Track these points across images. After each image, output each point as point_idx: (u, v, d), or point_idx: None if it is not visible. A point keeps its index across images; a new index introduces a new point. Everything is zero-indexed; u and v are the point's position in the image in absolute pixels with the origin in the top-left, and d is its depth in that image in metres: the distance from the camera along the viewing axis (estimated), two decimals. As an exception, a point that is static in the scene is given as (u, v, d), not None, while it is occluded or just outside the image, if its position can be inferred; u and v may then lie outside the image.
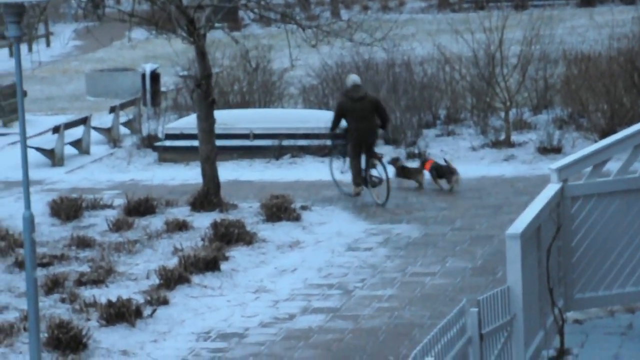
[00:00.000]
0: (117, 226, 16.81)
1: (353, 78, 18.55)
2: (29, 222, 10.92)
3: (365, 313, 13.10)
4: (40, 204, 17.63)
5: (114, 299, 13.05)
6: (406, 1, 50.73)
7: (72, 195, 18.10)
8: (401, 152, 21.24)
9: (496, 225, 16.20)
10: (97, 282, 14.23)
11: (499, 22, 22.67)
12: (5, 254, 15.51)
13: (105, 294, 13.60)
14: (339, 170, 18.71)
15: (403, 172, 18.96)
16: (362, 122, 17.94)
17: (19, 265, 14.76)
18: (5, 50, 38.76)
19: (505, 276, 10.64)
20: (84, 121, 23.28)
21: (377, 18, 26.16)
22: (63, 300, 13.60)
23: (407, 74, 24.62)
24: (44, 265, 14.80)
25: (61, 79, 34.47)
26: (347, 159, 18.43)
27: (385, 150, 20.89)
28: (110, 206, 18.09)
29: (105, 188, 19.76)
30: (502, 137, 21.97)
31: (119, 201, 18.21)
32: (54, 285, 13.98)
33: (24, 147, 10.89)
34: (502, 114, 22.65)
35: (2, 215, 17.34)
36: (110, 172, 21.37)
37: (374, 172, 18.19)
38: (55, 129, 22.20)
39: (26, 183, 10.87)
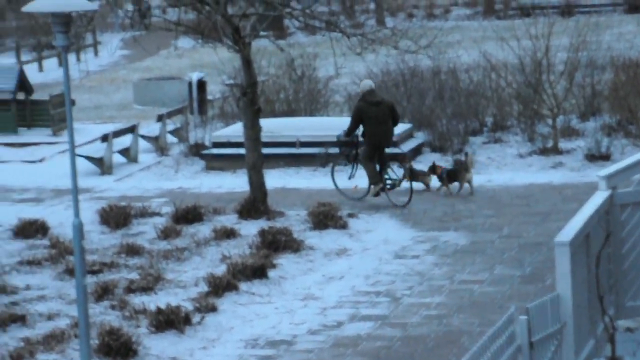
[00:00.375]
0: (166, 234, 16.93)
1: (368, 83, 18.90)
2: (79, 230, 11.02)
3: (413, 320, 13.10)
4: (89, 212, 17.78)
5: (163, 306, 13.13)
6: (451, 8, 50.63)
7: (120, 203, 18.25)
8: (448, 160, 21.22)
9: (544, 232, 16.13)
10: (146, 289, 14.33)
11: (545, 28, 22.59)
12: (55, 262, 15.67)
13: (154, 301, 13.69)
14: (340, 176, 18.84)
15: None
16: (380, 125, 18.31)
17: (70, 272, 14.90)
18: (54, 60, 39.14)
19: (554, 284, 10.59)
20: (131, 130, 23.46)
21: (422, 25, 26.19)
22: (113, 307, 13.70)
23: (453, 81, 24.59)
24: (94, 272, 14.93)
25: (109, 88, 34.75)
26: (355, 165, 18.71)
27: (432, 158, 20.87)
28: (158, 214, 18.22)
29: (153, 196, 19.90)
30: (550, 144, 21.88)
31: (167, 209, 18.33)
32: (104, 292, 14.10)
33: (73, 156, 11.00)
34: (550, 121, 22.55)
35: (52, 223, 17.50)
36: (158, 180, 21.52)
37: (390, 174, 18.48)
38: (104, 138, 22.40)
39: (75, 191, 10.98)
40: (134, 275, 14.91)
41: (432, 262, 15.35)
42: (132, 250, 16.08)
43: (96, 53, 43.54)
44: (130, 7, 30.55)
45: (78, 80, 35.53)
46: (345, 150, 18.96)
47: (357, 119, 18.41)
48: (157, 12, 25.23)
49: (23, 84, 27.45)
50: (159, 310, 13.04)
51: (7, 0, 45.58)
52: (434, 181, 19.28)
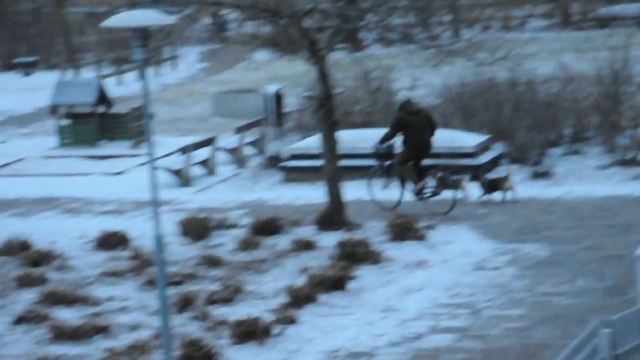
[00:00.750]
0: (245, 245, 17.05)
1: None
2: (160, 241, 11.15)
3: (494, 333, 13.03)
4: (169, 224, 17.96)
5: (243, 318, 13.22)
6: (528, 20, 50.28)
7: (200, 215, 18.42)
8: (527, 171, 21.08)
9: (626, 245, 15.96)
10: (226, 300, 14.45)
11: (623, 40, 22.36)
12: (137, 273, 15.87)
13: (234, 313, 13.80)
14: (378, 189, 19.17)
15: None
16: (421, 134, 18.81)
17: (151, 283, 15.08)
18: (133, 74, 39.61)
19: (636, 297, 10.48)
20: (210, 142, 23.67)
21: (499, 37, 26.03)
22: (194, 318, 13.83)
23: (531, 92, 24.42)
24: (175, 283, 15.09)
25: (187, 101, 35.08)
26: (389, 176, 19.12)
27: (511, 169, 20.73)
28: (237, 226, 18.36)
29: (232, 208, 20.04)
30: (630, 155, 21.62)
31: (246, 220, 18.46)
32: (185, 303, 14.24)
33: (153, 168, 11.13)
34: (630, 133, 22.29)
35: (133, 235, 17.72)
36: (236, 192, 21.67)
37: (429, 183, 18.83)
38: (183, 150, 22.63)
39: (156, 203, 11.10)
40: (214, 287, 15.03)
41: (513, 274, 15.26)
42: (212, 262, 16.22)
43: (174, 67, 44.02)
44: (207, 21, 30.84)
45: (157, 93, 35.93)
46: (381, 162, 19.41)
47: (396, 128, 18.90)
48: (234, 26, 25.45)
49: (103, 97, 27.85)
50: (240, 322, 13.13)
51: (87, 16, 46.28)
52: (473, 190, 19.29)
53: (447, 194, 18.69)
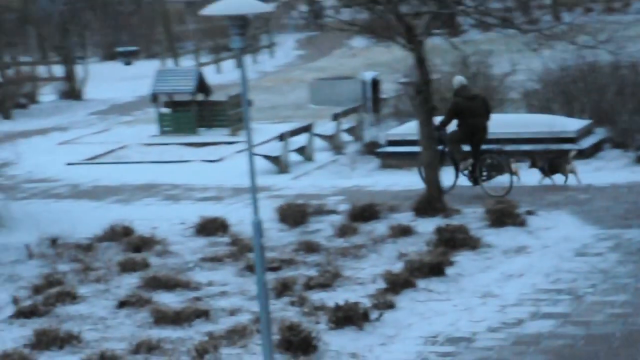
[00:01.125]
0: (342, 231, 17.04)
1: (460, 79, 19.55)
2: (258, 227, 11.19)
3: (597, 319, 12.81)
4: (267, 210, 18.03)
5: (341, 303, 13.21)
6: (631, 2, 49.36)
7: (297, 201, 18.46)
8: (630, 156, 20.70)
9: None
10: (324, 286, 14.45)
11: None
12: (236, 258, 15.97)
13: (332, 298, 13.79)
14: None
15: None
16: (477, 118, 19.03)
17: (250, 269, 15.16)
18: (231, 62, 39.90)
19: None
20: (307, 129, 23.72)
21: (601, 20, 25.60)
22: (293, 303, 13.87)
23: (634, 76, 23.96)
24: (273, 269, 15.15)
25: (285, 88, 35.22)
26: (442, 162, 19.09)
27: (614, 155, 20.41)
28: (334, 212, 18.36)
29: (329, 194, 20.05)
30: None
31: (343, 207, 18.45)
32: (283, 288, 14.28)
33: (251, 155, 11.17)
34: None
35: (232, 221, 17.83)
36: (333, 178, 21.68)
37: (484, 168, 18.93)
38: (281, 137, 22.72)
39: (254, 190, 11.14)
40: (312, 272, 15.05)
41: (616, 260, 14.98)
42: (310, 248, 16.25)
43: (272, 54, 44.22)
44: (304, 8, 30.90)
45: (255, 81, 36.14)
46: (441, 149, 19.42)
47: (453, 113, 19.09)
48: (331, 13, 25.46)
49: (202, 85, 28.11)
50: (338, 307, 13.12)
51: (186, 4, 46.75)
52: (529, 173, 19.27)
53: (502, 179, 18.83)
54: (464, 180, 19.36)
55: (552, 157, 19.55)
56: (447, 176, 18.96)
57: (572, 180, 19.28)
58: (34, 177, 23.42)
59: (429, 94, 18.03)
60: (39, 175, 23.53)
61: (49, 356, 12.61)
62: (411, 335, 12.74)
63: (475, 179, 19.18)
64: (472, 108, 18.98)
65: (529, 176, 19.55)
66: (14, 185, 22.24)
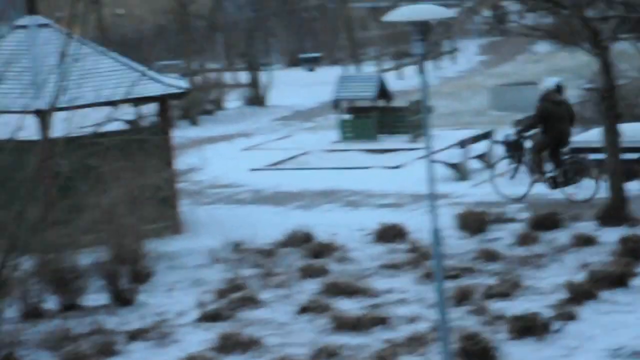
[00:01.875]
0: (523, 240, 16.86)
1: (554, 80, 19.48)
2: (437, 235, 11.19)
3: None
4: (446, 217, 17.98)
5: (521, 313, 13.07)
6: None
7: (477, 209, 18.35)
8: None
9: None
10: (504, 295, 14.34)
11: None
12: (415, 266, 15.99)
13: (512, 307, 13.66)
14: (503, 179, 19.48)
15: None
16: (563, 123, 19.00)
17: (429, 276, 15.16)
18: (413, 68, 39.89)
19: None
20: (487, 135, 23.52)
21: None
22: (472, 312, 13.80)
23: None
24: (452, 277, 15.10)
25: (466, 94, 35.01)
26: (518, 167, 19.50)
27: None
28: (514, 220, 18.17)
29: (509, 202, 19.84)
30: None
31: (524, 215, 18.23)
32: (462, 297, 14.24)
33: (430, 162, 11.18)
34: None
35: (411, 228, 17.86)
36: (514, 186, 21.42)
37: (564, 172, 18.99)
38: (461, 144, 22.61)
39: (433, 197, 11.14)
40: (491, 281, 14.94)
41: None
42: (490, 256, 16.14)
43: (454, 59, 44.03)
44: (488, 13, 30.67)
45: (436, 86, 36.08)
46: (510, 152, 19.65)
47: (540, 118, 19.05)
48: (515, 18, 25.23)
49: (383, 91, 28.23)
50: (518, 317, 12.99)
51: (370, 11, 47.04)
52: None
53: (586, 184, 18.78)
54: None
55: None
56: (515, 183, 19.05)
57: None
58: (218, 183, 23.96)
59: (614, 100, 17.66)
60: (223, 181, 24.06)
61: None
62: (595, 347, 12.51)
63: (556, 183, 19.15)
64: (559, 113, 18.94)
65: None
66: (199, 191, 22.82)
